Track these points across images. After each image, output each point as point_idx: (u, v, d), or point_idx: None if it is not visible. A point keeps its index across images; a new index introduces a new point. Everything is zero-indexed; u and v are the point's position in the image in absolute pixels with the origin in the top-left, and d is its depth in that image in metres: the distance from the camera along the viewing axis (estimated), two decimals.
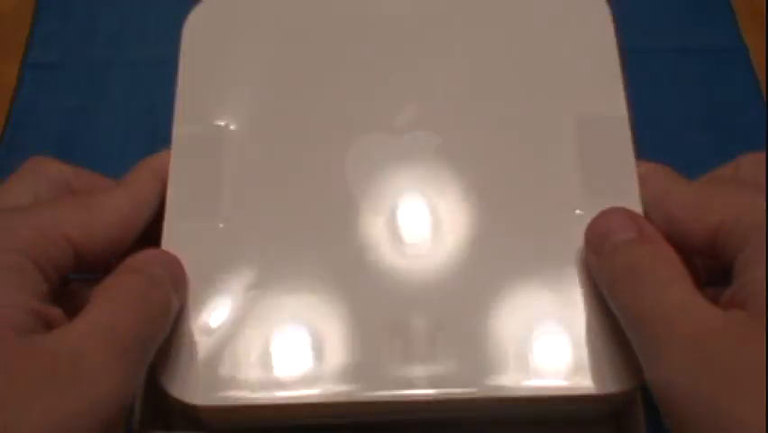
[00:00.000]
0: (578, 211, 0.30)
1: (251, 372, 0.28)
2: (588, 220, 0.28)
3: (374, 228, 0.30)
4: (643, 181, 0.31)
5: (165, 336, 0.28)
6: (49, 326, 0.26)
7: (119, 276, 0.27)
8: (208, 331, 0.29)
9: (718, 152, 0.44)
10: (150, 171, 0.32)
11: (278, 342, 0.28)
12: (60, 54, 0.49)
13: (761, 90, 0.46)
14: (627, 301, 0.26)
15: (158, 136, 0.45)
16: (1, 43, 0.51)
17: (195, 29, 0.35)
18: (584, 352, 0.27)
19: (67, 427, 0.23)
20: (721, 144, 0.44)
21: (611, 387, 0.27)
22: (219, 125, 0.32)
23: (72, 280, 0.30)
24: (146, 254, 0.29)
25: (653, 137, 0.45)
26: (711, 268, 0.29)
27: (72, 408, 0.23)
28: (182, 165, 0.32)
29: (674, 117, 0.45)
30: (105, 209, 0.29)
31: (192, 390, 0.27)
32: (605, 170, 0.30)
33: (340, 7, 0.34)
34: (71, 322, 0.25)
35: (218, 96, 0.33)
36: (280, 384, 0.27)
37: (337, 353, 0.28)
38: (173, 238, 0.30)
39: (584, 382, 0.27)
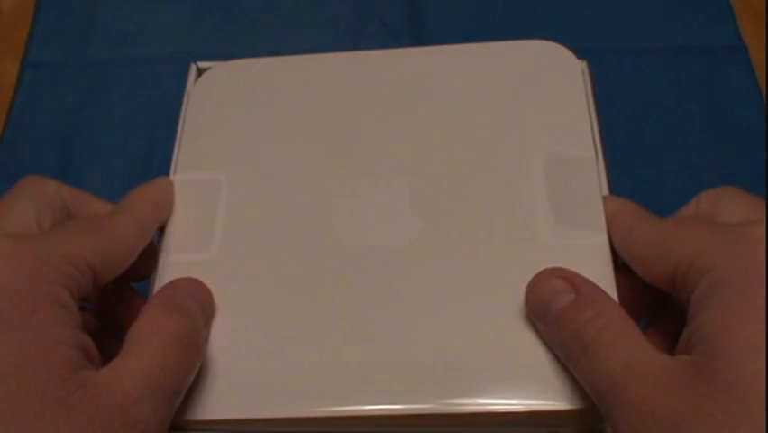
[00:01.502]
0: (548, 242, 0.31)
1: (236, 388, 0.29)
2: (556, 251, 0.30)
3: (354, 260, 0.32)
4: (610, 219, 0.31)
5: (197, 370, 0.28)
6: (90, 357, 0.26)
7: (164, 318, 0.28)
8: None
9: (718, 152, 0.44)
10: (152, 202, 0.32)
11: (260, 361, 0.30)
12: (60, 53, 0.49)
13: (761, 90, 0.46)
14: (580, 372, 0.26)
15: (156, 135, 0.45)
16: (1, 42, 0.51)
17: (201, 90, 0.38)
18: (550, 370, 0.28)
19: None
20: (721, 144, 0.44)
21: (577, 403, 0.27)
22: (215, 174, 0.35)
23: None
24: (185, 289, 0.30)
25: (652, 137, 0.45)
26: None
27: None
28: (179, 207, 0.34)
29: (674, 117, 0.45)
30: (119, 236, 0.30)
31: (182, 406, 0.28)
32: (573, 206, 0.32)
33: (328, 78, 0.37)
34: (120, 363, 0.26)
35: (215, 149, 0.36)
36: (264, 401, 0.29)
37: (312, 370, 0.29)
38: (168, 270, 0.32)
39: (551, 399, 0.28)
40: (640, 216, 0.30)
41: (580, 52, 0.37)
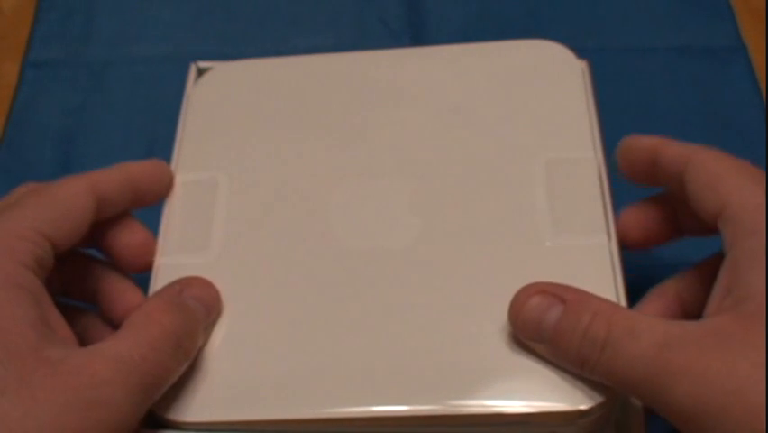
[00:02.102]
0: (548, 243, 0.31)
1: (233, 390, 0.29)
2: (556, 252, 0.30)
3: (353, 260, 0.32)
4: (668, 141, 0.31)
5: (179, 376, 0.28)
6: (60, 336, 0.26)
7: (161, 312, 0.28)
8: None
9: None
10: (123, 174, 0.32)
11: (256, 363, 0.30)
12: (61, 53, 0.49)
13: (761, 90, 0.46)
14: (602, 372, 0.26)
15: (157, 134, 0.45)
16: (2, 42, 0.51)
17: (201, 90, 0.38)
18: (550, 370, 0.28)
19: None
20: (721, 144, 0.44)
21: (577, 403, 0.27)
22: (215, 174, 0.35)
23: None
24: (194, 289, 0.30)
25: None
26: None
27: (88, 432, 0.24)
28: (176, 207, 0.34)
29: (674, 117, 0.45)
30: (70, 204, 0.30)
31: (178, 407, 0.29)
32: (573, 206, 0.32)
33: (328, 79, 0.37)
34: (99, 346, 0.26)
35: (215, 149, 0.36)
36: (260, 403, 0.29)
37: (311, 372, 0.29)
38: (166, 271, 0.32)
39: (551, 399, 0.28)
40: (692, 145, 0.30)
41: (580, 52, 0.37)
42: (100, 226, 0.32)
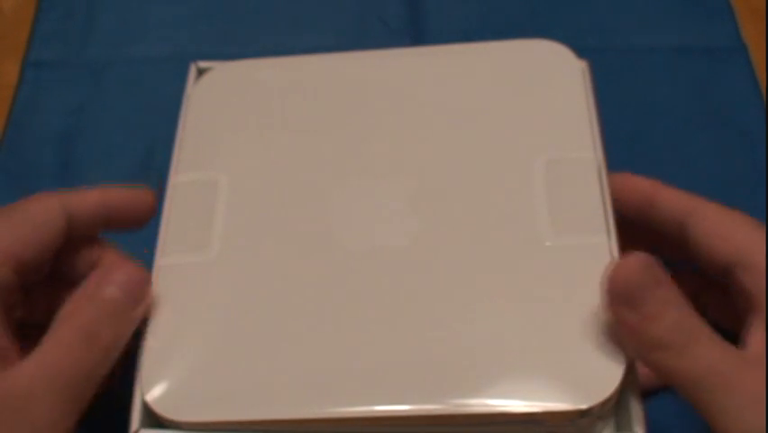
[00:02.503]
0: (548, 243, 0.31)
1: (234, 389, 0.29)
2: (556, 252, 0.30)
3: (353, 260, 0.32)
4: (664, 187, 0.32)
5: (112, 365, 0.28)
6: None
7: (76, 305, 0.28)
8: (193, 351, 0.30)
9: (718, 152, 0.44)
10: (96, 198, 0.32)
11: (257, 362, 0.30)
12: (61, 53, 0.49)
13: (761, 90, 0.46)
14: (674, 366, 0.27)
15: (157, 134, 0.45)
16: (2, 42, 0.51)
17: (201, 91, 0.38)
18: (550, 370, 0.28)
19: None
20: (721, 144, 0.44)
21: (577, 403, 0.27)
22: (215, 174, 0.35)
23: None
24: (112, 273, 0.29)
25: (652, 137, 0.45)
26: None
27: None
28: (176, 207, 0.34)
29: (674, 117, 0.45)
30: (38, 216, 0.30)
31: (177, 407, 0.29)
32: (573, 206, 0.32)
33: (328, 79, 0.37)
34: (22, 362, 0.26)
35: (215, 150, 0.36)
36: (261, 402, 0.29)
37: (312, 371, 0.29)
38: (166, 272, 0.32)
39: (551, 399, 0.28)
40: (691, 194, 0.32)
41: (580, 52, 0.37)
42: (69, 245, 0.32)
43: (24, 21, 0.51)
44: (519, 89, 0.36)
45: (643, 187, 0.33)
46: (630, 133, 0.44)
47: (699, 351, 0.26)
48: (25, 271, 0.29)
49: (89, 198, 0.31)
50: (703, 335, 0.27)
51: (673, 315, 0.27)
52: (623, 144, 0.43)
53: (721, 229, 0.30)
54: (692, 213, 0.31)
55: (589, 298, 0.29)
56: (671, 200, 0.32)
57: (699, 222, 0.31)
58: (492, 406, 0.28)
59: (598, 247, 0.31)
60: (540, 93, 0.35)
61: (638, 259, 0.27)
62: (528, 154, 0.33)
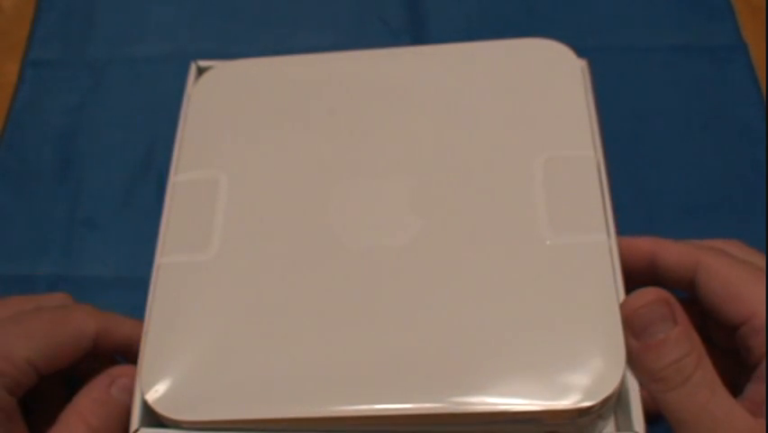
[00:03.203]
0: (547, 241, 0.31)
1: (234, 388, 0.29)
2: (556, 251, 0.30)
3: (353, 259, 0.32)
4: (665, 243, 0.32)
5: None
6: None
7: (89, 412, 0.30)
8: (193, 351, 0.30)
9: (718, 152, 0.44)
10: (136, 323, 0.33)
11: (257, 361, 0.30)
12: (61, 52, 0.49)
13: (761, 90, 0.46)
14: (671, 402, 0.28)
15: (157, 134, 0.45)
16: (2, 42, 0.51)
17: (201, 90, 0.38)
18: (550, 370, 0.28)
19: None
20: (721, 144, 0.44)
21: (577, 403, 0.27)
22: (215, 174, 0.35)
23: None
24: (121, 377, 0.31)
25: (652, 137, 0.45)
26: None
27: None
28: (176, 207, 0.34)
29: (674, 116, 0.45)
30: (69, 334, 0.31)
31: (178, 406, 0.29)
32: (573, 205, 0.32)
33: (328, 78, 0.37)
34: None
35: (216, 149, 0.36)
36: (261, 401, 0.29)
37: (312, 371, 0.29)
38: (166, 271, 0.32)
39: (551, 399, 0.28)
40: (705, 245, 0.32)
41: (580, 51, 0.37)
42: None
43: (24, 20, 0.51)
44: (519, 88, 0.36)
45: (645, 248, 0.33)
46: (630, 133, 0.44)
47: (693, 391, 0.27)
48: (41, 375, 0.31)
49: (126, 330, 0.33)
50: (702, 377, 0.27)
51: (673, 353, 0.28)
52: (623, 144, 0.43)
53: (730, 289, 0.30)
54: (699, 269, 0.31)
55: (589, 296, 0.29)
56: (674, 258, 0.32)
57: (707, 281, 0.31)
58: (492, 405, 0.28)
59: (597, 246, 0.31)
60: (540, 92, 0.35)
61: (652, 293, 0.29)
62: (528, 153, 0.33)
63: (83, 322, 0.32)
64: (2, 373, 0.29)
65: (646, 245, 0.33)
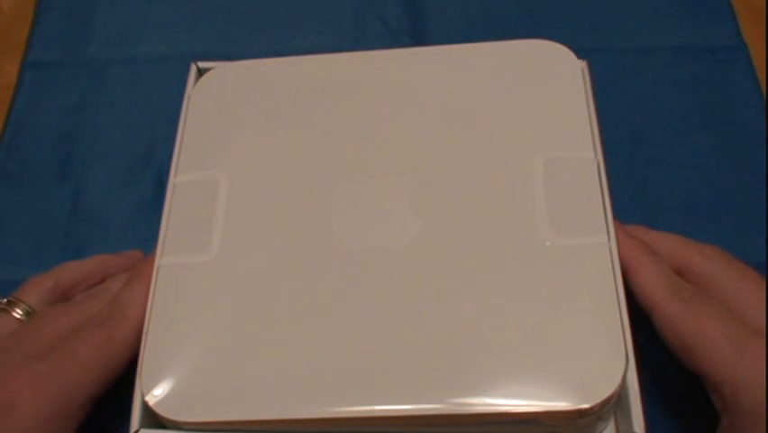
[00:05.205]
0: (547, 242, 0.31)
1: (234, 390, 0.29)
2: (556, 251, 0.31)
3: (353, 260, 0.32)
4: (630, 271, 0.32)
5: None
6: None
7: None
8: (193, 352, 0.30)
9: (718, 152, 0.44)
10: (145, 293, 0.33)
11: (257, 362, 0.30)
12: (60, 53, 0.49)
13: (761, 90, 0.46)
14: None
15: (157, 134, 0.45)
16: (1, 42, 0.51)
17: (201, 91, 0.38)
18: (550, 370, 0.28)
19: None
20: (721, 144, 0.44)
21: (577, 403, 0.27)
22: (215, 174, 0.35)
23: None
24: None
25: (652, 137, 0.45)
26: None
27: None
28: (176, 207, 0.34)
29: (674, 117, 0.45)
30: (122, 357, 0.31)
31: (177, 407, 0.29)
32: (573, 206, 0.32)
33: (328, 79, 0.38)
34: None
35: (216, 149, 0.36)
36: (261, 402, 0.29)
37: (312, 372, 0.29)
38: (167, 271, 0.32)
39: (551, 399, 0.28)
40: (665, 284, 0.31)
41: (579, 52, 0.37)
42: None
43: (24, 21, 0.51)
44: (519, 89, 0.36)
45: (624, 256, 0.31)
46: (630, 133, 0.44)
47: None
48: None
49: (143, 303, 0.33)
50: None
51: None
52: (623, 144, 0.43)
53: (684, 343, 0.29)
54: (654, 315, 0.30)
55: (588, 298, 0.29)
56: (640, 287, 0.31)
57: (661, 329, 0.30)
58: (492, 406, 0.28)
59: (597, 247, 0.31)
60: (540, 93, 0.35)
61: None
62: (528, 154, 0.33)
63: (124, 336, 0.31)
64: (71, 417, 0.30)
65: (627, 255, 0.31)
